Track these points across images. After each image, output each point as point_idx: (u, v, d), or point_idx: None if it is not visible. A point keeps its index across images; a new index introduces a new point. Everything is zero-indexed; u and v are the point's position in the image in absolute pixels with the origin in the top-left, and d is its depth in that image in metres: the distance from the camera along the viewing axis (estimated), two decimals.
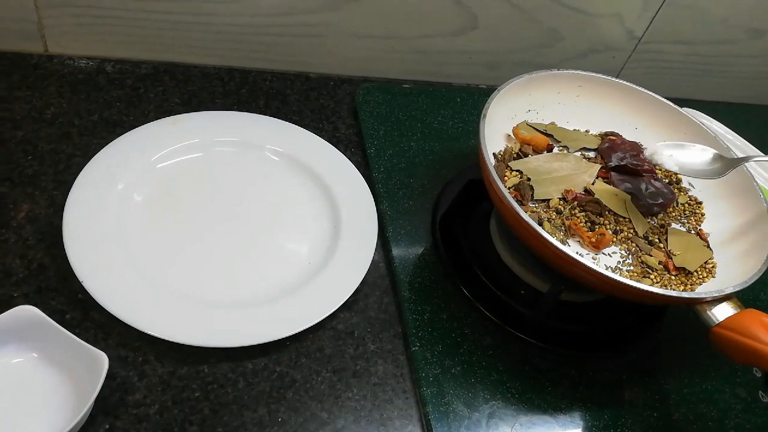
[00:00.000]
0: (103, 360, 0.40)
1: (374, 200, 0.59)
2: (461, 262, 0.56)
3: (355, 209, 0.58)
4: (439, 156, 0.66)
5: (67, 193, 0.51)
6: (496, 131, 0.58)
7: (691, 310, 0.46)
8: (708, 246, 0.54)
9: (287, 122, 0.63)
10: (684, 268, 0.51)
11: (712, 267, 0.52)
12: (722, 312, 0.45)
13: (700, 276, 0.51)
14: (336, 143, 0.63)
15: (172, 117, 0.59)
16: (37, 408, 0.40)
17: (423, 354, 0.50)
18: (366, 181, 0.60)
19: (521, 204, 0.52)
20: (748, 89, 0.88)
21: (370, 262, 0.54)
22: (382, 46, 0.72)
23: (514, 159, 0.57)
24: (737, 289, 0.45)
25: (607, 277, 0.44)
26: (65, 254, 0.47)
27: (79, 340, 0.41)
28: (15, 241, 0.50)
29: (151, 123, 0.58)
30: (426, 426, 0.46)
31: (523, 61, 0.76)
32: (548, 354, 0.52)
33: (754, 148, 0.77)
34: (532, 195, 0.54)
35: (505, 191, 0.47)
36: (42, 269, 0.48)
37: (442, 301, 0.54)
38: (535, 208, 0.53)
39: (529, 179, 0.55)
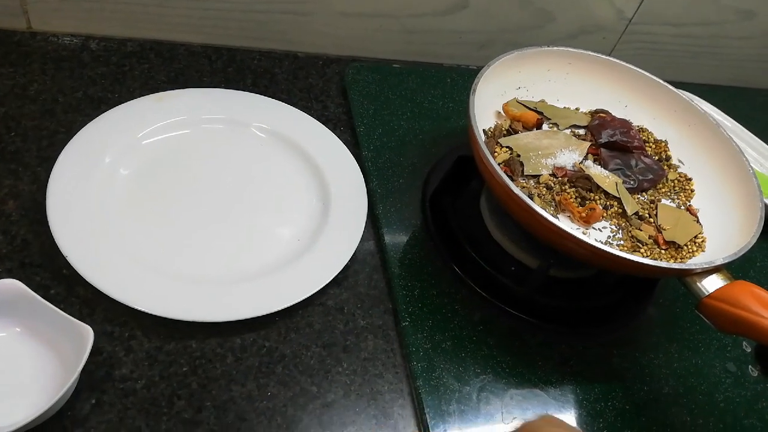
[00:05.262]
0: (88, 333, 0.39)
1: (364, 178, 0.58)
2: (451, 239, 0.56)
3: (345, 187, 0.57)
4: (429, 135, 0.66)
5: (51, 170, 0.50)
6: (486, 108, 0.58)
7: (682, 283, 0.46)
8: (698, 221, 0.54)
9: (276, 100, 0.62)
10: (674, 243, 0.51)
11: (702, 241, 0.52)
12: (712, 284, 0.45)
13: (690, 250, 0.51)
14: (325, 122, 0.63)
15: (158, 93, 0.58)
16: (22, 382, 0.40)
17: (413, 329, 0.50)
18: (355, 160, 0.60)
19: (512, 179, 0.52)
20: (738, 72, 0.88)
21: (359, 239, 0.53)
22: (371, 25, 0.71)
23: (504, 135, 0.56)
24: (727, 261, 0.45)
25: (598, 249, 0.44)
26: (49, 230, 0.47)
27: (64, 313, 0.40)
28: None
29: (137, 99, 0.57)
30: (416, 399, 0.46)
31: (513, 41, 0.76)
32: (538, 329, 0.52)
33: (743, 128, 0.77)
34: (522, 171, 0.53)
35: (496, 166, 0.47)
36: (25, 245, 0.48)
37: (432, 278, 0.53)
38: (525, 184, 0.53)
39: (518, 155, 0.54)
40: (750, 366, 0.55)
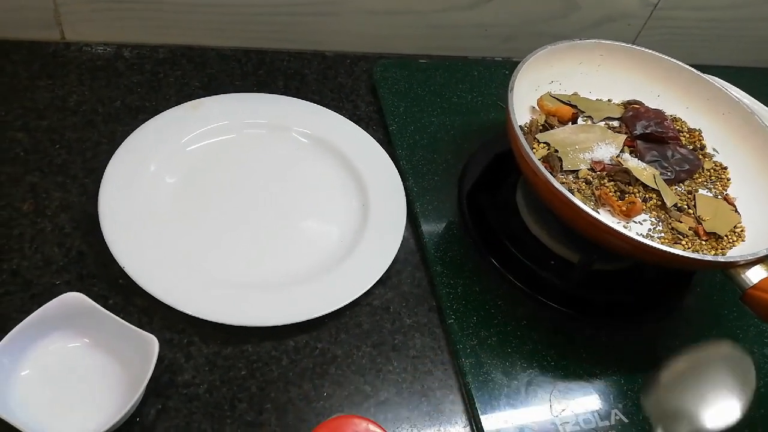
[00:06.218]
0: (153, 343, 0.41)
1: (400, 177, 0.59)
2: (490, 234, 0.57)
3: (383, 187, 0.58)
4: (461, 130, 0.66)
5: (98, 181, 0.51)
6: (521, 103, 0.58)
7: (724, 274, 0.47)
8: (736, 210, 0.55)
9: (310, 102, 0.63)
10: (714, 233, 0.52)
11: (741, 231, 0.53)
12: (756, 274, 0.45)
13: (730, 240, 0.52)
14: (357, 121, 0.63)
15: (195, 100, 0.59)
16: (93, 392, 0.41)
17: (459, 326, 0.51)
18: (390, 158, 0.60)
19: (552, 175, 0.53)
20: (765, 53, 0.88)
21: (401, 238, 0.54)
22: (397, 21, 0.71)
23: (540, 131, 0.57)
24: None
25: (643, 244, 0.44)
26: (102, 240, 0.48)
27: (128, 324, 0.42)
28: (51, 230, 0.50)
29: (176, 107, 0.58)
30: (467, 395, 0.47)
31: (538, 31, 0.76)
32: (580, 322, 0.53)
33: None
34: (561, 166, 0.54)
35: (539, 163, 0.48)
36: (81, 256, 0.49)
37: (473, 274, 0.54)
38: (564, 179, 0.53)
39: (556, 151, 0.55)
40: None
